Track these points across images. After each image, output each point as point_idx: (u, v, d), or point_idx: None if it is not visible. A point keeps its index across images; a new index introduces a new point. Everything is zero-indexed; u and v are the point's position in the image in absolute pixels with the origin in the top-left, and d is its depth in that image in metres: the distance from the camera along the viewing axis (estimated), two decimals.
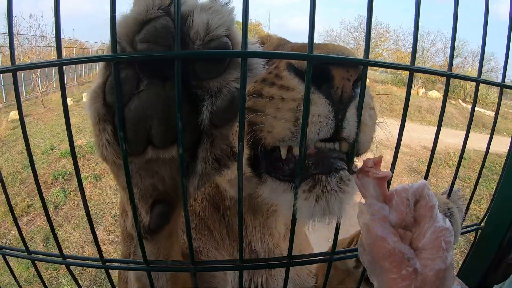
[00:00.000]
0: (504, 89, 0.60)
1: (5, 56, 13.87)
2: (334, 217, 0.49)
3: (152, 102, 0.35)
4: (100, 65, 0.36)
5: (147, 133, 0.36)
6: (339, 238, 0.75)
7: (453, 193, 0.61)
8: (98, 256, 0.49)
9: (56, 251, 0.52)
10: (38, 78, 12.55)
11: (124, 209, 0.48)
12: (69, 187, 6.13)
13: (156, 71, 0.35)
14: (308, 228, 0.54)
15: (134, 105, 0.35)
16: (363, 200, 0.46)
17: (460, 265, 0.83)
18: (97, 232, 5.02)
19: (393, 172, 0.47)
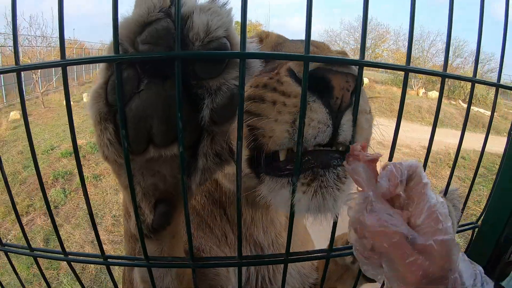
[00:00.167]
0: (505, 90, 0.61)
1: (5, 56, 13.91)
2: (328, 214, 0.50)
3: (153, 101, 0.36)
4: (101, 66, 0.37)
5: (148, 132, 0.37)
6: (337, 234, 0.76)
7: (449, 192, 0.62)
8: (98, 255, 0.50)
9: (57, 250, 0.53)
10: (38, 78, 12.57)
11: (127, 210, 0.48)
12: (69, 187, 6.14)
13: (157, 71, 0.36)
14: (306, 222, 0.55)
15: (135, 104, 0.36)
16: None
17: None
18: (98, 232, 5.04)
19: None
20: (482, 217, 0.78)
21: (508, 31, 0.63)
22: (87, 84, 16.42)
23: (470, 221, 0.78)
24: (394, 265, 0.42)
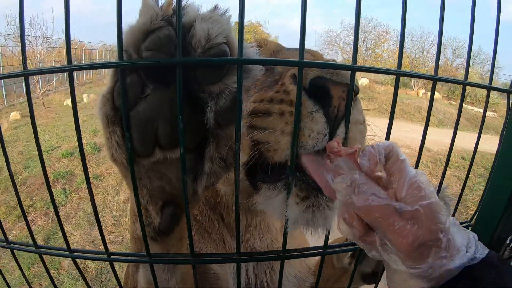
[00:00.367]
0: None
1: (5, 57, 13.93)
2: (318, 229, 0.53)
3: (158, 105, 0.38)
4: (109, 72, 0.39)
5: (154, 134, 0.39)
6: (336, 237, 0.78)
7: (440, 190, 0.64)
8: (102, 251, 0.52)
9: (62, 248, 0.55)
10: (38, 78, 12.58)
11: (134, 212, 0.49)
12: (69, 187, 6.16)
13: (161, 77, 0.38)
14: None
15: (142, 108, 0.38)
16: None
17: None
18: (98, 233, 5.04)
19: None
20: (475, 216, 0.79)
21: (504, 35, 0.65)
22: (87, 85, 16.45)
23: (464, 220, 0.79)
24: (386, 237, 0.44)
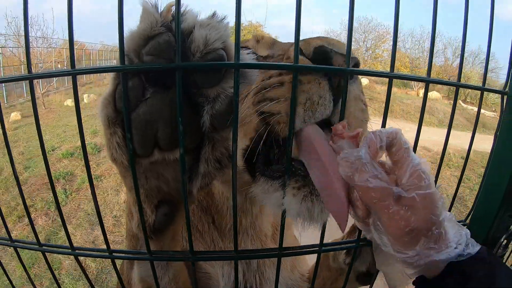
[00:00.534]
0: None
1: (5, 57, 13.95)
2: (315, 221, 0.53)
3: (158, 108, 0.39)
4: (110, 75, 0.41)
5: (154, 136, 0.40)
6: (333, 239, 0.79)
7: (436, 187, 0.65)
8: (104, 249, 0.53)
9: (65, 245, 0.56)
10: (39, 79, 12.57)
11: (130, 210, 0.51)
12: (70, 187, 6.17)
13: (161, 80, 0.39)
14: (298, 229, 0.58)
15: (142, 111, 0.39)
16: None
17: None
18: (99, 232, 5.03)
19: None
20: (470, 216, 0.80)
21: (505, 35, 0.66)
22: (88, 85, 16.48)
23: (460, 220, 0.80)
24: (380, 218, 0.46)
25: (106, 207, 5.71)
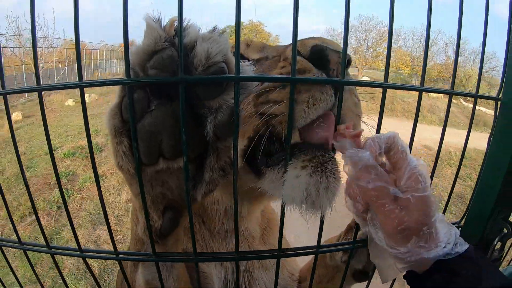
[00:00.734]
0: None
1: (6, 57, 13.97)
2: (322, 199, 0.53)
3: (163, 119, 0.41)
4: (116, 88, 0.43)
5: (158, 146, 0.42)
6: (328, 237, 0.81)
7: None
8: (111, 251, 0.56)
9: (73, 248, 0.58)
10: (40, 79, 12.58)
11: (136, 215, 0.53)
12: (72, 187, 6.20)
13: (165, 93, 0.41)
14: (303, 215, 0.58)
15: (148, 122, 0.41)
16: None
17: None
18: (101, 232, 5.06)
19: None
20: (465, 217, 0.81)
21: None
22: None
23: (454, 221, 0.82)
24: (376, 215, 0.49)
25: (108, 207, 5.74)
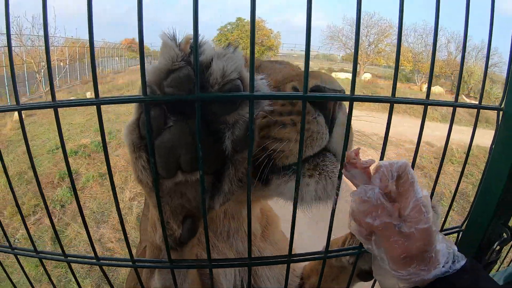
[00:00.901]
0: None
1: (6, 56, 13.97)
2: (329, 198, 0.61)
3: (179, 136, 0.43)
4: (133, 105, 0.45)
5: (176, 160, 0.44)
6: (333, 237, 0.83)
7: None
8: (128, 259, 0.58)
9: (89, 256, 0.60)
10: (41, 78, 12.66)
11: (154, 224, 0.55)
12: (75, 186, 6.21)
13: (181, 110, 0.43)
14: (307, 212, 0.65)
15: (165, 138, 0.43)
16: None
17: None
18: (104, 231, 5.09)
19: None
20: (466, 222, 0.82)
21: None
22: (90, 83, 16.48)
23: (456, 226, 0.83)
24: (381, 243, 0.53)
25: (111, 205, 5.77)
